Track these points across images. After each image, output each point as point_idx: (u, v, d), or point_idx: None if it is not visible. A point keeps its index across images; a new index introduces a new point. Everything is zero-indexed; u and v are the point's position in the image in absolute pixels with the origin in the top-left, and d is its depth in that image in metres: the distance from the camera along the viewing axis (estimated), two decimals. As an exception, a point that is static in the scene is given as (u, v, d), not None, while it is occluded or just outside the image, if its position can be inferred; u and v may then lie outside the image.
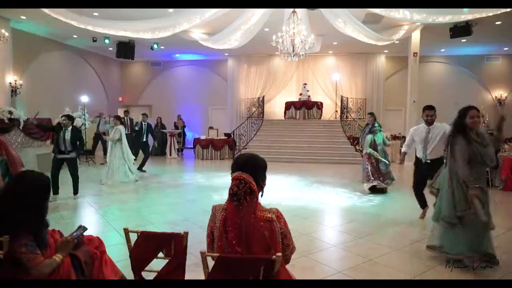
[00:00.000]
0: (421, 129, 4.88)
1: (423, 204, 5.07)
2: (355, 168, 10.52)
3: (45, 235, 2.11)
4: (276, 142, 13.04)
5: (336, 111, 14.75)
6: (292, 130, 13.66)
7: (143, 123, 9.83)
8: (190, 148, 15.30)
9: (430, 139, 4.75)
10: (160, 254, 1.98)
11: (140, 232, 1.91)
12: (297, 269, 2.93)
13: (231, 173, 1.84)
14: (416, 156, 5.12)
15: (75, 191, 6.26)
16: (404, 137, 13.00)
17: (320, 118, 14.45)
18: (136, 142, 9.70)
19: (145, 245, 1.89)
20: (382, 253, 3.79)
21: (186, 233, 1.91)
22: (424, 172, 4.80)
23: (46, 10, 7.02)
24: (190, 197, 6.66)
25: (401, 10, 6.67)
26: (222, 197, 6.44)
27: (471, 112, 3.35)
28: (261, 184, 1.86)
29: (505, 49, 13.98)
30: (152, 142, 9.92)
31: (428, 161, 4.78)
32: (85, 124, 10.46)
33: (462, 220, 3.30)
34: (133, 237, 2.05)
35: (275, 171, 8.98)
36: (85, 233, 2.28)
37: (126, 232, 1.96)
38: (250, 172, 1.81)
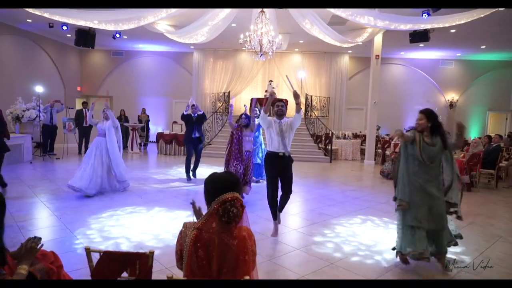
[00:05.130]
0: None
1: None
2: (319, 165, 10.80)
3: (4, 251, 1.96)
4: (241, 138, 12.97)
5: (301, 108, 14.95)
6: (257, 126, 13.72)
7: (192, 114, 7.23)
8: (153, 142, 14.92)
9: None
10: (124, 274, 1.92)
11: (102, 251, 1.85)
12: (260, 273, 2.97)
13: (215, 196, 1.73)
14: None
15: None
16: (364, 136, 13.52)
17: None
18: (185, 139, 7.55)
19: (107, 265, 1.83)
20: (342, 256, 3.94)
21: (152, 253, 1.87)
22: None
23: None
24: (153, 198, 6.50)
25: (366, 16, 6.88)
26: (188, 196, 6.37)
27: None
28: None
29: (457, 54, 14.88)
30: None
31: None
32: (39, 116, 9.86)
33: None
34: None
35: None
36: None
37: (88, 251, 1.89)
38: (237, 191, 1.77)
